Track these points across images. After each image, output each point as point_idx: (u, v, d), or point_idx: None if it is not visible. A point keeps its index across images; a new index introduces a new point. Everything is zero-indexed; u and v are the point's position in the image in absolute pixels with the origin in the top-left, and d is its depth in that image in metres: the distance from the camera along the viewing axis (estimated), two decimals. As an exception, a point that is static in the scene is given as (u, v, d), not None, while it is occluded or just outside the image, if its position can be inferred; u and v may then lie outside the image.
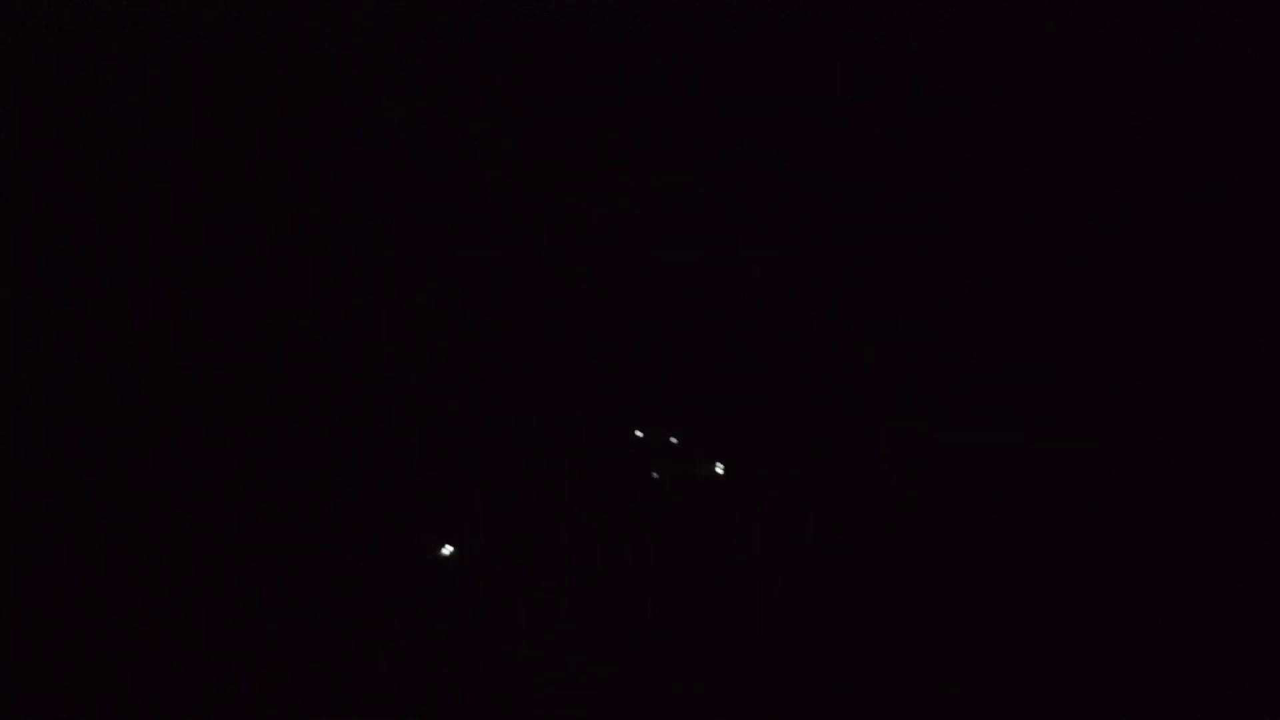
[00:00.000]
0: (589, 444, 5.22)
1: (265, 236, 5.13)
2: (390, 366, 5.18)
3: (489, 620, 4.91)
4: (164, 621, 4.73)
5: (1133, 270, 5.44)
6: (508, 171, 5.32)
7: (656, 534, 5.14)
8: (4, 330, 4.97)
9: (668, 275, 5.39)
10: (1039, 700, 4.85)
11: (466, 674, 4.84)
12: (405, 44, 5.38)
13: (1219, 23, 5.44)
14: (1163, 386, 5.34)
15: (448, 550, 4.98)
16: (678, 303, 5.38)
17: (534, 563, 5.04)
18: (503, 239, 5.32)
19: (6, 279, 4.99)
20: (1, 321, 4.97)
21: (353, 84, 5.30)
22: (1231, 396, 5.28)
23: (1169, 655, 4.89)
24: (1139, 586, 5.05)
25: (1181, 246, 5.43)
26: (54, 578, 4.72)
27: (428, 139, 5.31)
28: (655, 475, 5.22)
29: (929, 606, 5.05)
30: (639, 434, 5.25)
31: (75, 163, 5.09)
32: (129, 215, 5.12)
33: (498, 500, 5.09)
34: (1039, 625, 5.00)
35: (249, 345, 5.08)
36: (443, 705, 4.77)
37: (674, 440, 5.28)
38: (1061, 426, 5.29)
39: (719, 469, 5.25)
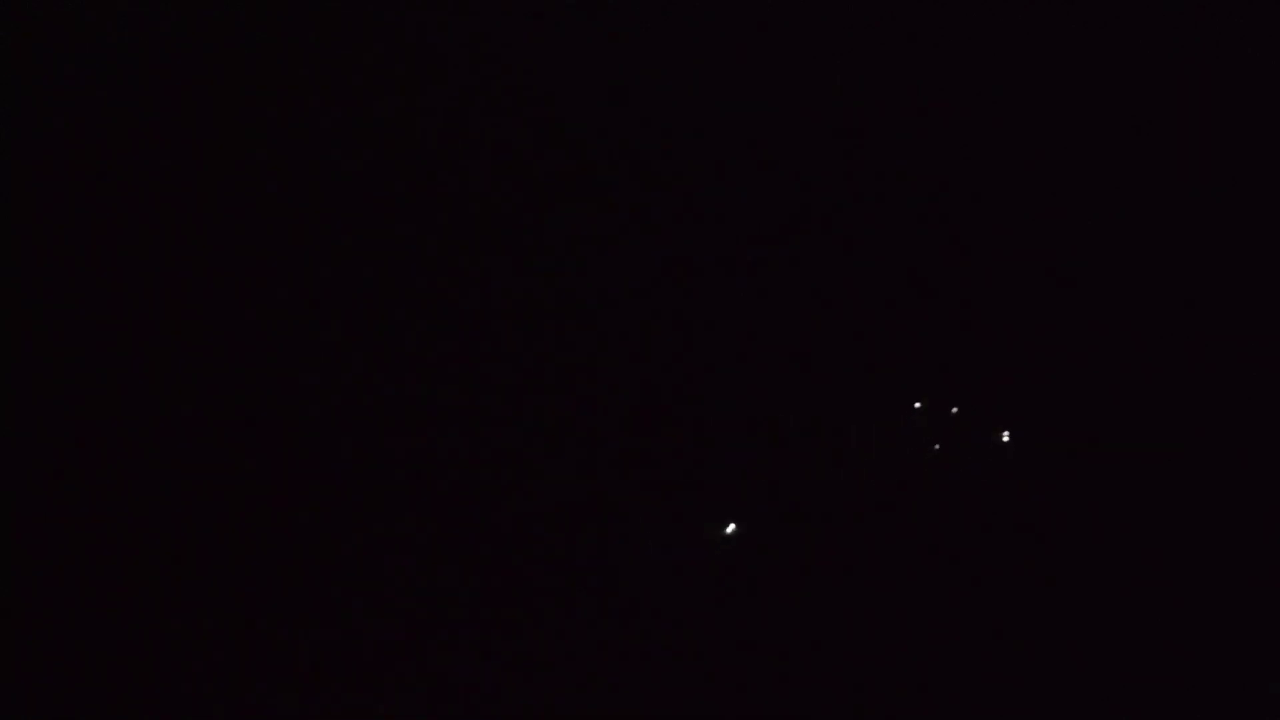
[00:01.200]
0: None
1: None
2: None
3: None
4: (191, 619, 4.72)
5: (1133, 270, 5.47)
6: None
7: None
8: (4, 330, 4.96)
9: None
10: (1041, 700, 4.89)
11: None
12: (405, 44, 5.36)
13: (1219, 23, 5.46)
14: (1163, 386, 5.36)
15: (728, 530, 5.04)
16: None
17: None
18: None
19: (6, 279, 4.97)
20: (1, 321, 4.95)
21: (354, 85, 5.29)
22: (1232, 396, 5.31)
23: (1169, 655, 4.93)
24: (1139, 586, 5.09)
25: (1182, 246, 5.45)
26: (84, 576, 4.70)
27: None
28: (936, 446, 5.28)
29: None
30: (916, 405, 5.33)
31: (75, 162, 5.08)
32: (129, 215, 5.11)
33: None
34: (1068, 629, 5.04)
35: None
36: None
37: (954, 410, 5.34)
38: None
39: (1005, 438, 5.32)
